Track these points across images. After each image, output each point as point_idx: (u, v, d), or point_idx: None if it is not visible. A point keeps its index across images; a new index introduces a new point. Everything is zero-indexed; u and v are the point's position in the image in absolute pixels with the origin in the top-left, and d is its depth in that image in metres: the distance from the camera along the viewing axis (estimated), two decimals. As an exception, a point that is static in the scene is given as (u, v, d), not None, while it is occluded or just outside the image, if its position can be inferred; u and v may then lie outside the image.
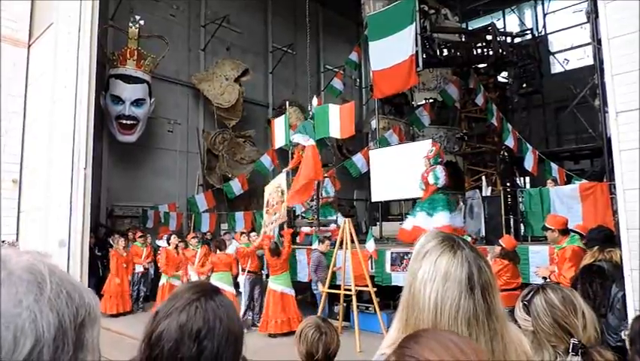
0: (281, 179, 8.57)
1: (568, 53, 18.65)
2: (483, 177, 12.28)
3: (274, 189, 8.64)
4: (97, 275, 9.99)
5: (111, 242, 10.29)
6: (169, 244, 9.84)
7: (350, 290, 7.20)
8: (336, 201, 10.89)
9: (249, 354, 1.05)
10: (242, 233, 9.03)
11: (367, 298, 8.01)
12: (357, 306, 7.21)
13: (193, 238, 9.69)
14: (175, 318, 0.91)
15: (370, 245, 7.80)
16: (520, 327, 1.66)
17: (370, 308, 7.53)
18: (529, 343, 1.25)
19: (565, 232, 5.13)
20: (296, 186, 8.52)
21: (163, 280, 9.27)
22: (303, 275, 8.63)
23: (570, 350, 1.43)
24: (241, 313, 8.02)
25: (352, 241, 7.21)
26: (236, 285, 8.83)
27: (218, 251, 8.24)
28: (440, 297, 0.99)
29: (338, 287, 7.58)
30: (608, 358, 1.45)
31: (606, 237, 4.07)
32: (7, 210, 10.68)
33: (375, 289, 7.17)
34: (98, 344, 0.67)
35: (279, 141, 9.87)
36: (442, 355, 0.72)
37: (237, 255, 8.35)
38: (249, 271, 8.21)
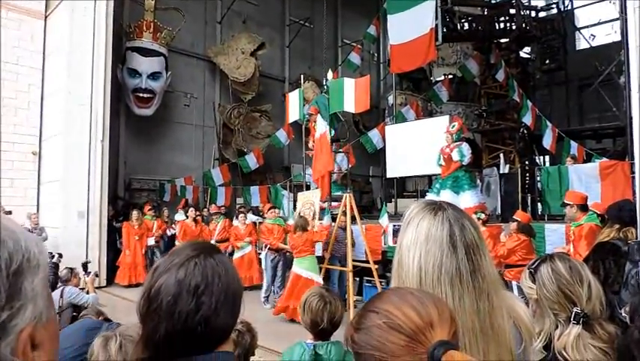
0: (315, 197, 8.15)
1: (595, 29, 18.03)
2: (501, 155, 12.11)
3: (307, 203, 8.23)
4: (115, 247, 10.22)
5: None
6: (187, 217, 10.02)
7: (356, 266, 7.27)
8: (339, 177, 10.79)
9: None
10: (272, 208, 8.65)
11: (381, 273, 8.09)
12: (368, 281, 7.28)
13: (214, 212, 10.05)
14: (174, 273, 0.92)
15: (384, 220, 7.82)
16: (525, 297, 1.66)
17: (383, 283, 7.61)
18: (528, 312, 1.25)
19: (584, 208, 5.07)
20: (315, 177, 8.60)
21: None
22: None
23: (572, 319, 1.43)
24: (262, 292, 8.02)
25: (353, 218, 7.15)
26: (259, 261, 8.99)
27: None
28: (423, 259, 0.99)
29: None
30: (609, 330, 1.44)
31: (632, 218, 3.93)
32: (28, 181, 10.95)
33: (376, 266, 7.21)
34: (45, 293, 0.65)
35: (293, 115, 9.82)
36: (401, 305, 0.74)
37: (267, 232, 8.17)
38: (270, 248, 8.07)
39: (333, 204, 8.77)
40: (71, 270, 5.33)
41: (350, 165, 10.62)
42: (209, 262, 0.95)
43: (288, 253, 7.99)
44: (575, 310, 1.44)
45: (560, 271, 1.51)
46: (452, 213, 1.05)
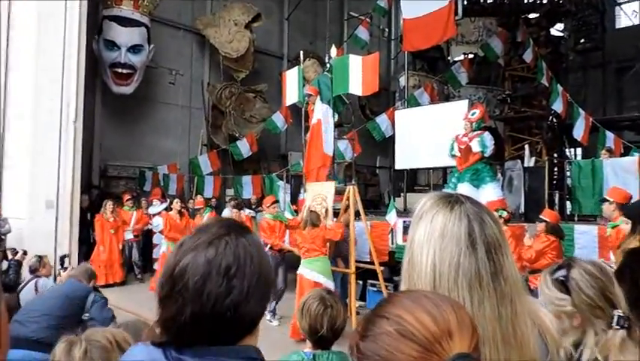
0: (329, 191, 7.95)
1: (638, 4, 17.92)
2: (526, 146, 12.11)
3: (318, 197, 8.00)
4: (89, 242, 10.24)
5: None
6: (170, 209, 10.03)
7: (360, 268, 7.28)
8: (341, 168, 10.81)
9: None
10: (275, 202, 8.37)
11: (387, 276, 8.11)
12: (372, 284, 7.30)
13: (197, 208, 10.15)
14: (203, 251, 0.94)
15: (391, 217, 7.82)
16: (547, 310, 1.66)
17: (389, 287, 7.63)
18: (554, 320, 1.25)
19: (624, 208, 5.05)
20: (309, 168, 8.58)
21: (164, 247, 9.48)
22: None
23: (615, 323, 1.44)
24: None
25: (357, 213, 7.12)
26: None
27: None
28: (438, 258, 0.99)
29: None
30: None
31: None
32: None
33: (382, 268, 7.21)
34: None
35: (291, 96, 9.81)
36: (414, 310, 0.73)
37: (268, 228, 7.97)
38: (271, 248, 7.76)
39: (337, 196, 8.76)
40: (40, 258, 5.39)
41: (355, 154, 10.64)
42: (241, 242, 0.97)
43: (287, 253, 7.94)
44: (616, 313, 1.45)
45: (594, 274, 1.52)
46: (471, 206, 1.04)
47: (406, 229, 7.75)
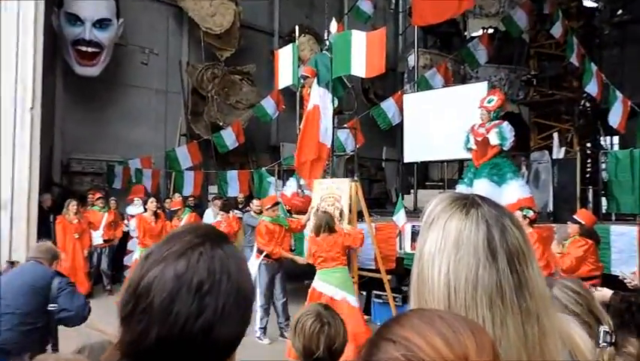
0: (343, 190, 7.82)
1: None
2: (555, 135, 12.11)
3: (329, 198, 7.97)
4: (51, 247, 10.22)
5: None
6: (145, 210, 10.02)
7: (363, 276, 7.30)
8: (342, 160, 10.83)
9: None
10: (276, 204, 8.21)
11: (395, 286, 8.12)
12: (378, 295, 7.31)
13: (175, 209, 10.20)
14: (171, 264, 0.93)
15: (399, 218, 7.82)
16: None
17: (397, 299, 7.65)
18: (588, 340, 1.26)
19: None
20: (301, 161, 8.58)
21: (136, 254, 9.47)
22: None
23: (601, 340, 1.53)
24: (258, 317, 7.77)
25: (360, 213, 7.10)
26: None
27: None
28: (452, 271, 0.98)
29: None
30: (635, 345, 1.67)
31: None
32: None
33: (389, 277, 7.23)
34: None
35: (284, 79, 9.79)
36: (426, 332, 0.72)
37: (266, 233, 7.89)
38: (267, 256, 7.74)
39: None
40: (12, 263, 5.31)
41: (357, 146, 10.62)
42: (218, 254, 0.96)
43: (283, 260, 7.93)
44: (602, 329, 1.53)
45: (577, 290, 1.67)
46: (489, 210, 1.03)
47: (415, 235, 7.78)
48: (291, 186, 10.84)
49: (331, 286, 6.69)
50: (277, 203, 8.18)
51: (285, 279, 7.94)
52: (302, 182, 9.94)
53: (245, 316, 0.99)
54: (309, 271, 8.39)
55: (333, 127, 9.09)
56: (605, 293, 4.71)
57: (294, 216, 9.11)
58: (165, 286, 0.91)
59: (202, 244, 0.96)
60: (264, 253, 7.67)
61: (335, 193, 7.86)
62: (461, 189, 8.33)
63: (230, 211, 10.33)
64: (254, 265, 7.83)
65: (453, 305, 0.97)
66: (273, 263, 7.78)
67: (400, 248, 8.16)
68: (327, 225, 6.79)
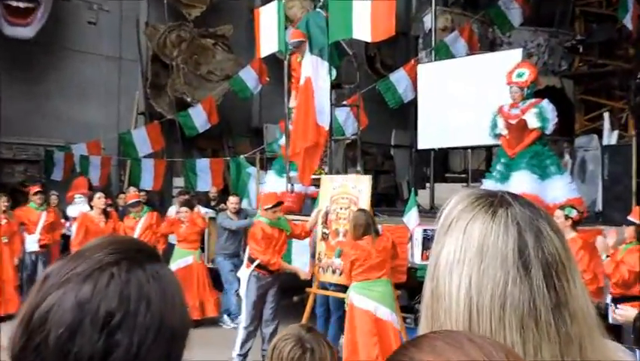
0: (361, 190, 7.76)
1: None
2: (605, 115, 12.14)
3: (342, 197, 7.93)
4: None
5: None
6: (91, 207, 9.99)
7: None
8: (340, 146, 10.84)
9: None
10: (278, 204, 8.05)
11: (406, 304, 8.13)
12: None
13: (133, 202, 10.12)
14: (73, 290, 0.89)
15: (411, 218, 7.82)
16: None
17: (408, 320, 7.66)
18: None
19: None
20: (296, 149, 8.58)
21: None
22: (301, 263, 8.76)
23: None
24: (239, 339, 7.84)
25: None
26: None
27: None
28: (475, 286, 0.98)
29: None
30: None
31: None
32: None
33: (398, 292, 7.24)
34: None
35: (268, 44, 9.76)
36: (450, 355, 0.73)
37: (260, 237, 7.81)
38: (258, 265, 7.69)
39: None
40: None
41: (360, 128, 10.61)
42: (136, 276, 0.93)
43: (275, 271, 7.85)
44: None
45: None
46: (521, 210, 1.03)
47: (427, 241, 7.77)
48: (270, 182, 10.82)
49: (375, 302, 6.75)
50: (280, 203, 8.08)
51: (279, 297, 7.95)
52: (292, 174, 9.92)
53: (171, 357, 0.94)
54: (301, 285, 8.43)
55: (331, 105, 9.07)
56: (628, 314, 4.77)
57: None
58: (63, 318, 0.87)
59: (115, 264, 0.92)
60: (257, 263, 7.65)
61: (350, 193, 7.84)
62: (489, 185, 8.34)
63: (196, 207, 10.31)
64: (243, 275, 7.91)
65: (475, 329, 0.96)
66: (266, 276, 7.76)
67: (412, 256, 8.15)
68: (365, 225, 6.83)
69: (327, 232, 8.11)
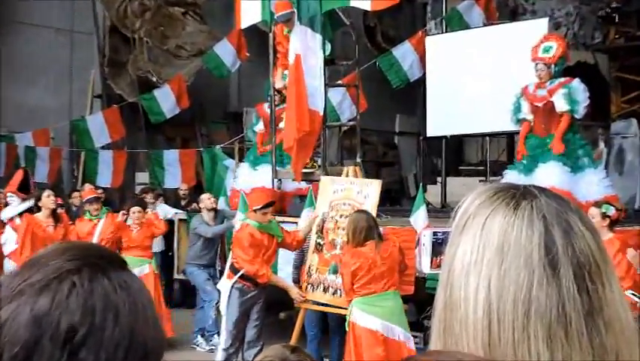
0: (368, 194, 7.86)
1: None
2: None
3: (344, 204, 7.94)
4: None
5: None
6: (36, 209, 9.97)
7: None
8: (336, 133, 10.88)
9: None
10: (270, 204, 8.01)
11: (414, 320, 8.17)
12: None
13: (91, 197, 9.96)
14: (28, 302, 0.88)
15: (419, 219, 7.90)
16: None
17: (416, 339, 7.71)
18: None
19: None
20: (290, 141, 8.63)
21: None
22: (286, 273, 8.80)
23: None
24: (218, 358, 7.90)
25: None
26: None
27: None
28: (495, 290, 0.97)
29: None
30: None
31: None
32: None
33: (405, 307, 7.30)
34: None
35: (249, 13, 9.78)
36: None
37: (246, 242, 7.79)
38: (242, 276, 7.71)
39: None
40: None
41: (358, 112, 10.65)
42: (100, 285, 0.91)
43: (262, 284, 7.82)
44: None
45: None
46: (547, 203, 1.03)
47: (437, 246, 7.71)
48: (242, 176, 10.82)
49: (383, 321, 6.68)
50: (271, 203, 8.04)
51: (263, 314, 7.95)
52: (279, 168, 9.93)
53: None
54: (288, 299, 8.40)
55: (325, 85, 9.10)
56: None
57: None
58: (18, 335, 0.86)
59: (76, 272, 0.91)
60: (241, 273, 7.64)
61: (354, 199, 7.85)
62: (512, 177, 8.31)
63: (159, 206, 10.32)
64: (224, 288, 7.88)
65: (495, 340, 0.95)
66: (251, 289, 7.73)
67: (420, 264, 8.11)
68: (376, 228, 6.85)
69: (321, 242, 8.04)
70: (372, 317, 6.65)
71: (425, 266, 7.85)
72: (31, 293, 0.88)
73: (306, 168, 9.62)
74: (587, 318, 0.94)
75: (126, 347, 0.89)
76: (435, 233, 7.77)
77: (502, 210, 1.01)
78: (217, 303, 8.83)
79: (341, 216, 7.75)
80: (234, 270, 7.71)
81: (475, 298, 0.97)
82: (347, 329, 6.90)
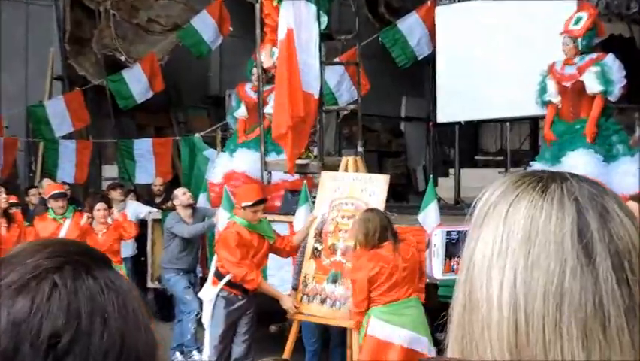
0: (374, 191, 7.82)
1: None
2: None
3: (346, 204, 7.96)
4: None
5: None
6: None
7: None
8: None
9: None
10: (262, 201, 8.15)
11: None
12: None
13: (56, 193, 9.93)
14: (4, 305, 0.88)
15: (429, 217, 7.94)
16: None
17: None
18: None
19: None
20: (281, 129, 8.69)
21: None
22: (278, 278, 8.91)
23: None
24: None
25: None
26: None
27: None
28: (521, 283, 0.96)
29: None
30: None
31: None
32: None
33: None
34: None
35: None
36: None
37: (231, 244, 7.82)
38: (229, 283, 7.75)
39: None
40: None
41: (359, 95, 10.70)
42: (85, 284, 0.92)
43: (251, 291, 7.87)
44: None
45: None
46: (579, 186, 1.02)
47: (451, 247, 7.64)
48: (220, 167, 10.85)
49: (405, 330, 6.73)
50: (263, 200, 8.10)
51: (254, 326, 8.02)
52: (268, 158, 9.96)
53: None
54: (280, 309, 8.43)
55: (321, 63, 9.14)
56: None
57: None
58: None
59: (57, 270, 0.91)
60: (227, 279, 7.67)
61: (359, 198, 7.87)
62: (539, 166, 8.34)
63: (128, 204, 10.37)
64: (207, 296, 7.86)
65: (523, 341, 0.94)
66: (239, 298, 7.78)
67: (431, 269, 8.14)
68: (391, 228, 6.91)
69: (319, 248, 8.05)
70: (396, 328, 6.70)
71: (437, 271, 7.76)
72: (7, 295, 0.88)
73: (300, 158, 9.66)
74: (628, 314, 0.93)
75: (117, 353, 0.90)
76: (448, 233, 7.64)
77: (528, 194, 1.00)
78: (198, 315, 8.83)
79: (343, 217, 7.80)
80: (219, 276, 7.72)
81: (499, 295, 0.96)
82: (360, 342, 6.89)
